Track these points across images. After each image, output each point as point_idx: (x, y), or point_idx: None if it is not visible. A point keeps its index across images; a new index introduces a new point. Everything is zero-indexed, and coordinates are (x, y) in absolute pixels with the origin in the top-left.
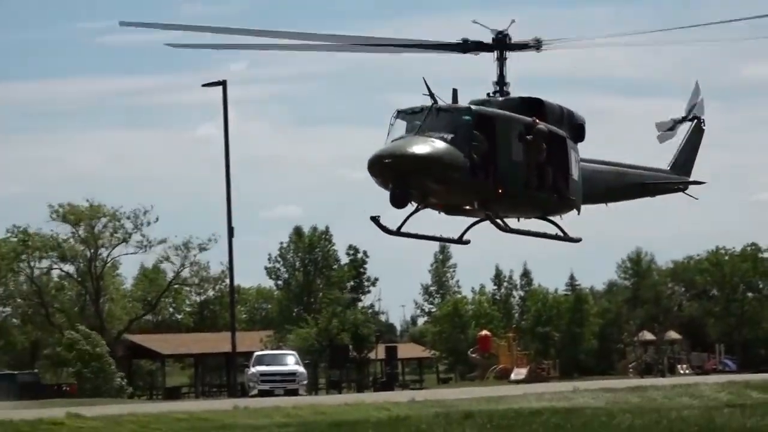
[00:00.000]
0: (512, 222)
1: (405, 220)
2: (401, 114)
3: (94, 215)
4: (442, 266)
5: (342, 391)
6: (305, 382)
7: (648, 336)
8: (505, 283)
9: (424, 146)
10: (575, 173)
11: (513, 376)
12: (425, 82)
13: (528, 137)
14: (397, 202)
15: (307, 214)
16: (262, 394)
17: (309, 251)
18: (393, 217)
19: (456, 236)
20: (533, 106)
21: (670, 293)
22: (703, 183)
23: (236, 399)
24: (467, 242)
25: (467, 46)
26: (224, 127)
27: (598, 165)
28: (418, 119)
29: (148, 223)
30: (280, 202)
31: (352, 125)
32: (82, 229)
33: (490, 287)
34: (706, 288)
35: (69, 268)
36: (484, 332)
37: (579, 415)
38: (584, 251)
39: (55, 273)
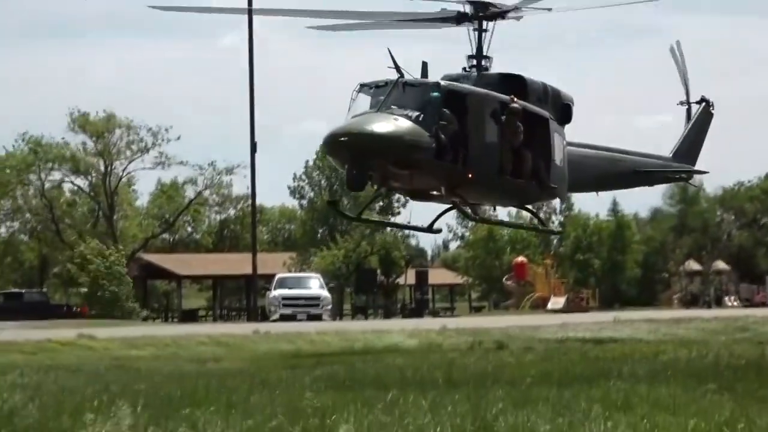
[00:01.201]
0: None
1: (366, 206)
2: (364, 88)
3: (110, 126)
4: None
5: (368, 317)
6: (329, 307)
7: (694, 266)
8: (544, 207)
9: (384, 124)
10: (559, 158)
11: (550, 306)
12: (390, 54)
13: (504, 117)
14: (353, 184)
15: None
16: (284, 318)
17: (336, 169)
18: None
19: (426, 224)
20: (514, 83)
21: (719, 221)
22: (706, 173)
23: (256, 323)
24: (438, 231)
25: (445, 17)
26: (249, 37)
27: (587, 150)
28: (382, 94)
29: (168, 141)
30: (308, 116)
31: (380, 35)
32: (97, 141)
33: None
34: (757, 216)
35: (82, 182)
36: (520, 258)
37: (619, 346)
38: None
39: (66, 187)
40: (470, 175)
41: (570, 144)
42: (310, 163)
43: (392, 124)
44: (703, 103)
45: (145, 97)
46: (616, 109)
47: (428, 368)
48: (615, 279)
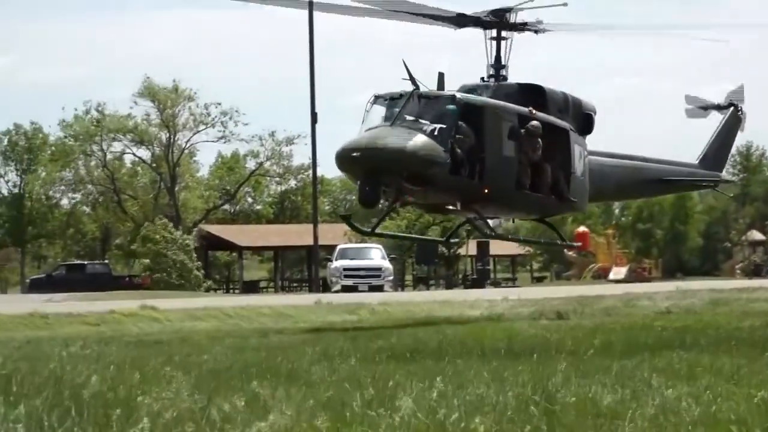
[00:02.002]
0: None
1: (381, 220)
2: (378, 100)
3: (177, 97)
4: None
5: (430, 288)
6: (391, 278)
7: (757, 236)
8: None
9: (398, 139)
10: (579, 170)
11: (612, 276)
12: (405, 65)
13: (523, 130)
14: (367, 201)
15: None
16: (345, 289)
17: None
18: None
19: (444, 236)
20: (532, 93)
21: None
22: (732, 182)
23: (318, 294)
24: (456, 243)
25: (463, 21)
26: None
27: (609, 159)
28: (397, 106)
29: (237, 123)
30: (370, 86)
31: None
32: (162, 111)
33: None
34: None
35: (144, 153)
36: (582, 228)
37: (682, 316)
38: (691, 144)
39: (128, 158)
40: (487, 191)
41: (591, 153)
42: None
43: (406, 138)
44: (732, 108)
45: (206, 69)
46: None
47: (490, 338)
48: (677, 249)
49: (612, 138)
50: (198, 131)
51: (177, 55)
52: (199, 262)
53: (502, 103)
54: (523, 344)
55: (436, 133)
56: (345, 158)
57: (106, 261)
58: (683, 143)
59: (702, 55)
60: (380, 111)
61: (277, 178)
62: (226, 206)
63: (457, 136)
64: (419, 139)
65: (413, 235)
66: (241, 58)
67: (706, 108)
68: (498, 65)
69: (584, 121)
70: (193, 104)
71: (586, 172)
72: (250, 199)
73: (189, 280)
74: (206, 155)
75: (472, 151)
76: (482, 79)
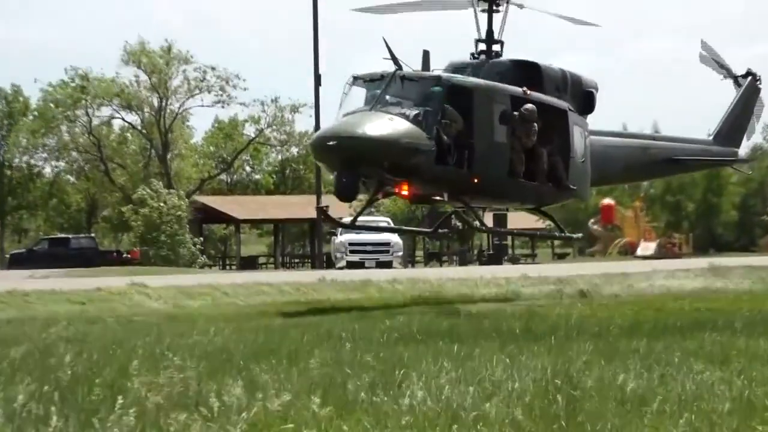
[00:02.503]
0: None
1: (361, 212)
2: (357, 81)
3: (169, 59)
4: None
5: (443, 264)
6: (401, 254)
7: None
8: None
9: (378, 125)
10: (579, 153)
11: (639, 251)
12: (386, 43)
13: (516, 113)
14: (344, 194)
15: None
16: (351, 266)
17: None
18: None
19: (430, 227)
20: (527, 71)
21: None
22: (749, 161)
23: (322, 271)
24: (444, 233)
25: None
26: None
27: (613, 139)
28: (377, 89)
29: (235, 87)
30: (374, 49)
31: None
32: (152, 74)
33: None
34: None
35: (133, 118)
36: (608, 200)
37: (718, 297)
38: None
39: (116, 124)
40: (476, 180)
41: (594, 133)
42: None
43: (387, 125)
44: (749, 77)
45: (205, 31)
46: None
47: (506, 319)
48: (710, 223)
49: (637, 108)
50: (193, 95)
51: (172, 17)
52: (195, 238)
53: (492, 83)
54: (542, 325)
55: (419, 118)
56: (320, 147)
57: (92, 235)
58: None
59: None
60: (359, 94)
61: (279, 146)
62: (223, 176)
63: (443, 120)
64: (401, 126)
65: (398, 227)
66: (241, 20)
67: (721, 67)
68: (490, 40)
69: (585, 100)
70: (188, 67)
71: (588, 155)
72: (248, 168)
73: (182, 256)
74: (201, 121)
75: (460, 137)
76: (472, 55)
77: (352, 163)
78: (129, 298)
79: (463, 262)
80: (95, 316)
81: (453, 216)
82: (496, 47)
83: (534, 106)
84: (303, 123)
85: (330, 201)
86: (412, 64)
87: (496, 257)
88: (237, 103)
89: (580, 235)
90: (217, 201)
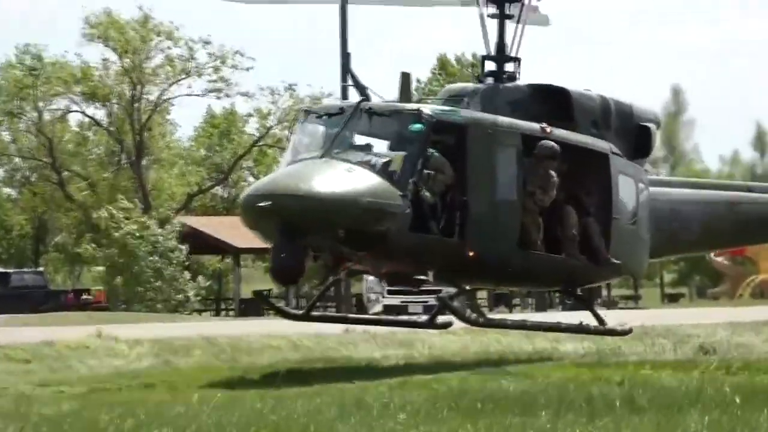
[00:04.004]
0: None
1: (317, 299)
2: (310, 116)
3: (145, 34)
4: (673, 121)
5: (513, 309)
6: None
7: None
8: None
9: (330, 180)
10: (627, 213)
11: None
12: (346, 63)
13: (533, 159)
14: (283, 274)
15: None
16: (389, 310)
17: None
18: None
19: (425, 317)
20: (551, 100)
21: None
22: None
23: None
24: (448, 325)
25: None
26: None
27: (685, 191)
28: (335, 127)
29: (235, 67)
30: (406, 35)
31: None
32: (123, 55)
33: (748, 155)
34: None
35: (97, 113)
36: None
37: None
38: None
39: (74, 119)
40: (472, 253)
41: (657, 183)
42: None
43: (342, 178)
44: None
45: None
46: None
47: (600, 384)
48: None
49: None
50: (177, 80)
51: None
52: (193, 282)
53: (495, 117)
54: (646, 393)
55: (390, 168)
56: (250, 210)
57: (41, 269)
58: None
59: None
60: (312, 134)
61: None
62: (217, 189)
63: (425, 171)
64: (362, 178)
65: (382, 318)
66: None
67: None
68: (501, 56)
69: (638, 138)
70: (172, 44)
71: (643, 215)
72: (251, 179)
73: (167, 300)
74: (188, 115)
75: (449, 193)
76: (478, 79)
77: (294, 231)
78: (92, 354)
79: (542, 307)
80: (43, 380)
81: (442, 301)
82: (509, 66)
83: (554, 144)
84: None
85: None
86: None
87: (585, 300)
88: (238, 92)
89: (628, 327)
90: (209, 224)
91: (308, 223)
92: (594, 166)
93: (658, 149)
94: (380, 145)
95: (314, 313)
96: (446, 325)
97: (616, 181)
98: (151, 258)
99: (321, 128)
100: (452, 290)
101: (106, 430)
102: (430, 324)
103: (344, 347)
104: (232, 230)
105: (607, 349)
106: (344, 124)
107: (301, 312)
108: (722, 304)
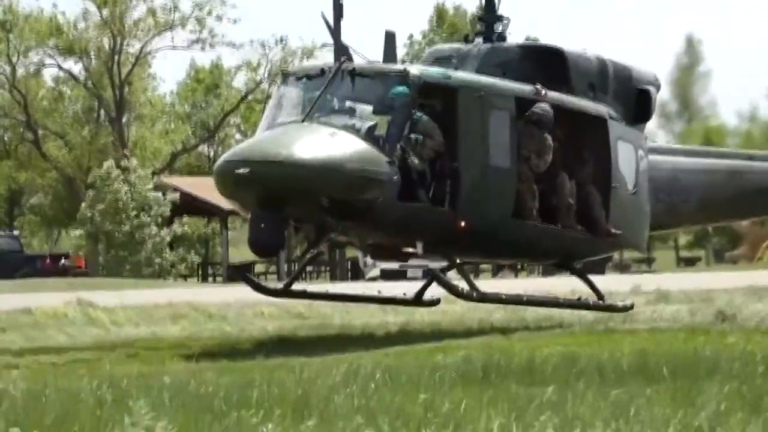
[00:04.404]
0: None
1: (298, 272)
2: (289, 79)
3: None
4: (687, 73)
5: (519, 273)
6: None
7: None
8: None
9: (312, 145)
10: (627, 181)
11: None
12: (325, 19)
13: (526, 123)
14: (262, 245)
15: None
16: (387, 276)
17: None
18: None
19: (411, 293)
20: (545, 60)
21: None
22: None
23: (346, 283)
24: (435, 302)
25: None
26: None
27: (687, 160)
28: (315, 90)
29: (219, 18)
30: None
31: None
32: (102, 6)
33: (766, 108)
34: None
35: (75, 67)
36: None
37: None
38: None
39: (49, 74)
40: (463, 224)
41: (657, 151)
42: (416, 37)
43: (325, 143)
44: None
45: None
46: None
47: (610, 352)
48: None
49: None
50: (160, 32)
51: None
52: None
53: (486, 79)
54: (661, 361)
55: (375, 132)
56: (226, 178)
57: (16, 232)
58: None
59: None
60: (292, 97)
61: None
62: (203, 147)
63: (412, 136)
64: (347, 143)
65: (364, 295)
66: None
67: None
68: (490, 15)
69: (637, 103)
70: None
71: (644, 184)
72: (239, 137)
73: (158, 265)
74: (172, 69)
75: (439, 160)
76: (466, 38)
77: (274, 201)
78: (70, 323)
79: (549, 271)
80: (19, 349)
81: (433, 274)
82: (499, 26)
83: (548, 107)
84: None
85: None
86: (373, 52)
87: (596, 264)
88: (223, 43)
89: (630, 303)
90: (195, 184)
91: (289, 192)
92: (591, 132)
93: (670, 103)
94: (364, 109)
95: (294, 288)
96: (434, 303)
97: (615, 148)
98: (138, 219)
99: (301, 91)
100: (443, 263)
101: (87, 402)
102: (417, 301)
103: (339, 314)
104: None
105: (618, 315)
106: (326, 86)
107: (280, 287)
108: (741, 268)
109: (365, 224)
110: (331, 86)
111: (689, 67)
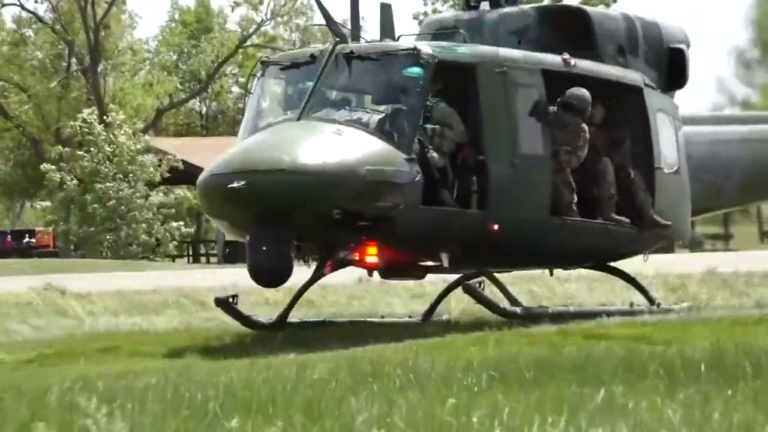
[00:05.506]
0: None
1: (294, 300)
2: (271, 69)
3: None
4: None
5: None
6: None
7: None
8: None
9: (317, 148)
10: (671, 160)
11: None
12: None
13: (555, 105)
14: (268, 274)
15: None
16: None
17: None
18: None
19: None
20: (566, 24)
21: None
22: None
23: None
24: (444, 325)
25: None
26: None
27: (721, 129)
28: (308, 79)
29: None
30: None
31: None
32: None
33: None
34: None
35: (40, 6)
36: None
37: None
38: None
39: (9, 14)
40: (496, 227)
41: (687, 121)
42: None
43: (334, 145)
44: None
45: None
46: None
47: (680, 345)
48: None
49: None
50: None
51: None
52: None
53: (509, 51)
54: (741, 356)
55: (388, 124)
56: (217, 195)
57: None
58: None
59: None
60: (278, 91)
61: (290, 50)
62: (194, 102)
63: (430, 127)
64: (358, 143)
65: (367, 320)
66: None
67: None
68: None
69: (671, 65)
70: None
71: (684, 162)
72: (236, 90)
73: (144, 243)
74: (152, 10)
75: (461, 152)
76: (467, 4)
77: (277, 218)
78: (36, 311)
79: None
80: None
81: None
82: None
83: (585, 93)
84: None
85: None
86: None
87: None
88: None
89: (687, 305)
90: (184, 146)
91: (296, 206)
92: (627, 105)
93: (750, 49)
94: (369, 98)
95: (290, 321)
96: (445, 324)
97: (655, 122)
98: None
99: (290, 83)
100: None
101: (56, 407)
102: (429, 315)
103: (356, 298)
104: (214, 154)
105: (689, 299)
106: (320, 74)
107: (273, 320)
108: None
109: (384, 237)
110: (326, 74)
111: None
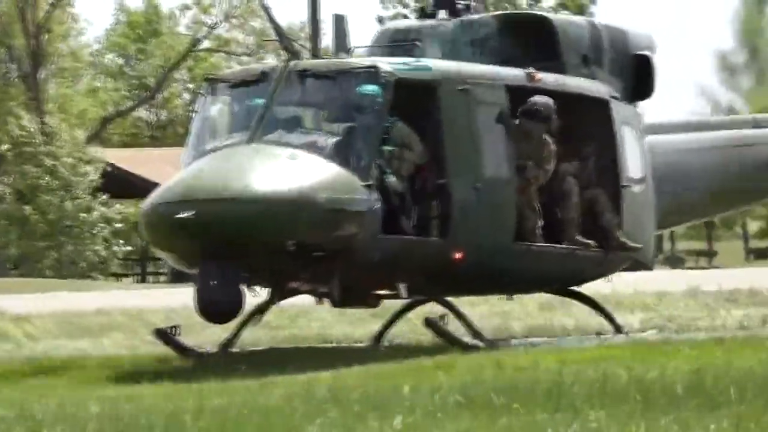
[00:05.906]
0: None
1: (241, 327)
2: (218, 88)
3: None
4: (756, 13)
5: None
6: None
7: None
8: None
9: (273, 175)
10: (636, 175)
11: None
12: (266, 10)
13: (521, 121)
14: (218, 310)
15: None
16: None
17: None
18: None
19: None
20: (528, 33)
21: None
22: None
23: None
24: (391, 348)
25: None
26: None
27: (684, 137)
28: (259, 97)
29: None
30: None
31: None
32: None
33: None
34: None
35: None
36: None
37: None
38: None
39: None
40: (459, 255)
41: (649, 130)
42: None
43: (288, 171)
44: None
45: None
46: None
47: (659, 369)
48: None
49: None
50: None
51: None
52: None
53: (470, 66)
54: (722, 380)
55: (344, 147)
56: (163, 225)
57: None
58: None
59: None
60: (227, 112)
61: (246, 56)
62: (141, 111)
63: (388, 149)
64: (313, 169)
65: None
66: None
67: None
68: None
69: (637, 74)
70: None
71: (649, 177)
72: (187, 96)
73: (87, 259)
74: (100, 10)
75: (422, 176)
76: (422, 12)
77: (227, 250)
78: None
79: None
80: None
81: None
82: None
83: (547, 100)
84: (288, 17)
85: None
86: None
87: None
88: None
89: (655, 331)
90: (131, 158)
91: (248, 238)
92: (592, 119)
93: (737, 54)
94: (324, 120)
95: (234, 350)
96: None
97: (621, 137)
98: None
99: (239, 103)
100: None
101: None
102: (378, 345)
103: (316, 321)
104: (162, 165)
105: (667, 319)
106: (272, 93)
107: (216, 350)
108: None
109: (341, 268)
110: (279, 93)
111: (758, 3)
